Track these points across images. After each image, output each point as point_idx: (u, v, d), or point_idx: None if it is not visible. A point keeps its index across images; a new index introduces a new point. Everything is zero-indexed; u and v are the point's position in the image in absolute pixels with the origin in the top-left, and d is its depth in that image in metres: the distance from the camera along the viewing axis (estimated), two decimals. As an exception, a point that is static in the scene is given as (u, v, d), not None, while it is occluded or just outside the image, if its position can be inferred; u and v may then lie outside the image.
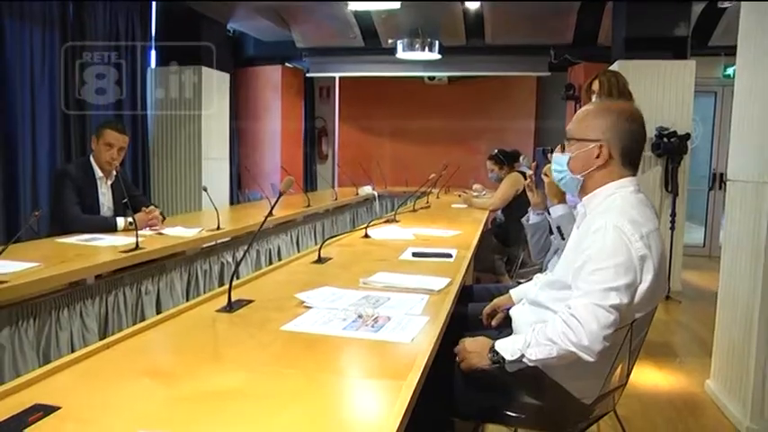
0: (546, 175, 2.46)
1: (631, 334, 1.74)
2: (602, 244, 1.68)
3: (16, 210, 5.21)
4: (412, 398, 1.26)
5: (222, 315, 1.84)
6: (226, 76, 7.12)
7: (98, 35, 6.03)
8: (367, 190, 7.33)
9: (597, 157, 1.82)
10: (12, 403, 1.20)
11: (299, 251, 4.73)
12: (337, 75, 9.16)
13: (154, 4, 6.81)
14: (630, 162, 1.86)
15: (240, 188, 8.11)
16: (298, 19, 7.63)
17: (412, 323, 1.76)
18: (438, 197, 6.42)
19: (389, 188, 7.99)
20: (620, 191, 1.82)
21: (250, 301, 1.96)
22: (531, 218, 2.77)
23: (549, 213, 2.57)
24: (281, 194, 2.08)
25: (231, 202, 7.19)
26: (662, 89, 5.88)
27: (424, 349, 1.53)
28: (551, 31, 7.61)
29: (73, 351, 2.46)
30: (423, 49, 7.49)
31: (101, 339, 2.61)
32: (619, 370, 1.88)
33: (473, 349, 1.84)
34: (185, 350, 1.56)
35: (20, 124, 5.25)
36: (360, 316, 1.82)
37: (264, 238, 4.23)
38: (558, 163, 1.91)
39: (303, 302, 1.94)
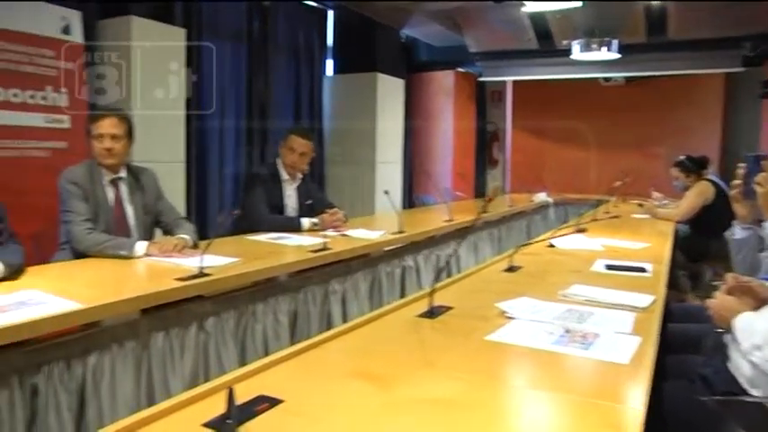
0: (759, 184, 2.19)
1: None
2: None
3: (205, 209, 5.66)
4: (641, 424, 1.16)
5: (424, 321, 1.83)
6: (400, 82, 7.25)
7: (279, 47, 6.40)
8: (542, 197, 7.11)
9: None
10: (238, 392, 1.25)
11: (476, 258, 4.70)
12: (510, 79, 8.98)
13: (330, 14, 7.11)
14: None
15: (412, 192, 8.22)
16: (471, 23, 7.58)
17: (624, 342, 1.64)
18: (616, 206, 6.07)
19: (563, 195, 7.70)
20: None
21: (449, 308, 1.94)
22: (737, 232, 2.47)
23: (762, 228, 2.29)
24: (489, 200, 2.04)
25: (404, 206, 7.29)
26: None
27: (643, 372, 1.42)
28: (747, 19, 6.85)
29: (266, 343, 2.61)
30: (600, 49, 7.11)
31: (291, 333, 2.76)
32: None
33: (725, 308, 1.76)
34: (393, 354, 1.56)
35: (209, 133, 5.70)
36: (567, 331, 1.73)
37: (444, 242, 4.23)
38: None
39: (505, 313, 1.88)
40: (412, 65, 8.30)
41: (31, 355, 1.77)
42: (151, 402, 2.11)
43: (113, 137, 2.83)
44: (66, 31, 4.22)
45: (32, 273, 2.29)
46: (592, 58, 7.26)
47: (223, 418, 1.13)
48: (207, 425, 1.13)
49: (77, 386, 1.89)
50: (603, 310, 1.98)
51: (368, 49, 6.99)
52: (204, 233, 3.07)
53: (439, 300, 1.99)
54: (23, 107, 3.96)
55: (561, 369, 1.50)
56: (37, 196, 3.69)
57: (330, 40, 7.20)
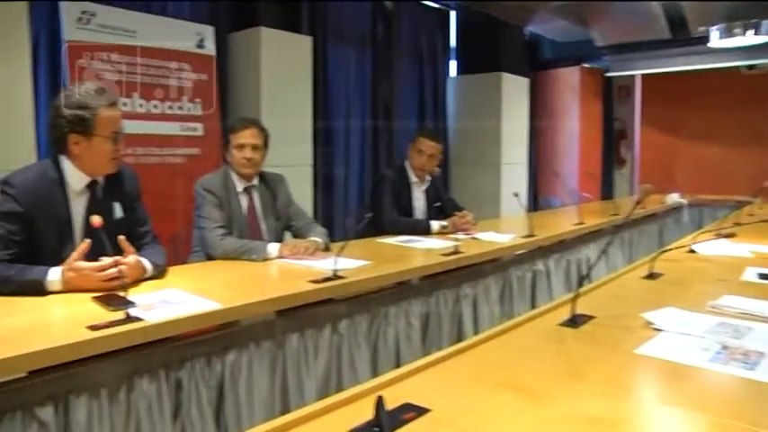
0: None
1: None
2: None
3: (331, 212, 5.78)
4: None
5: (566, 330, 1.74)
6: (524, 81, 7.06)
7: (403, 50, 6.43)
8: (674, 198, 6.63)
9: None
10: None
11: (606, 263, 4.47)
12: (640, 72, 8.47)
13: (453, 14, 7.05)
14: None
15: (537, 193, 7.96)
16: (598, 16, 7.23)
17: (797, 364, 1.47)
18: (761, 207, 5.56)
19: (698, 196, 7.16)
20: None
21: (591, 317, 1.83)
22: None
23: None
24: (638, 203, 1.92)
25: (529, 209, 7.03)
26: None
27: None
28: None
29: (398, 346, 2.60)
30: (744, 33, 6.37)
31: (422, 337, 2.73)
32: None
33: None
34: (539, 365, 1.49)
35: (336, 136, 5.82)
36: (724, 347, 1.58)
37: (574, 247, 4.05)
38: None
39: (651, 324, 1.75)
40: (536, 62, 8.03)
41: (175, 350, 1.86)
42: (285, 400, 2.17)
43: (254, 147, 2.92)
44: (200, 45, 4.47)
45: (172, 273, 2.40)
46: (733, 44, 6.56)
47: (370, 425, 1.11)
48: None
49: (217, 382, 1.96)
50: (763, 325, 1.79)
51: (492, 49, 6.86)
52: (330, 236, 3.11)
53: (580, 307, 1.87)
54: (162, 117, 4.23)
55: (724, 391, 1.36)
56: (172, 200, 3.94)
57: (453, 41, 7.14)
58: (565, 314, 1.82)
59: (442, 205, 3.73)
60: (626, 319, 1.82)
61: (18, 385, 1.54)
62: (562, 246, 3.91)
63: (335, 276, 2.35)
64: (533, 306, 3.45)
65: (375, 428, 1.10)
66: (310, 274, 2.38)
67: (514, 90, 6.88)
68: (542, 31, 7.79)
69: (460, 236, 3.39)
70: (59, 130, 2.17)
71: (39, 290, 1.97)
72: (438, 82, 6.83)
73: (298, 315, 2.23)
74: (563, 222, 4.35)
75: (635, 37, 7.39)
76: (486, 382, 1.37)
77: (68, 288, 2.00)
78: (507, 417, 1.19)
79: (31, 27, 3.60)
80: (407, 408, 1.21)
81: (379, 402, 1.10)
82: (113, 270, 2.00)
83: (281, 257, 2.71)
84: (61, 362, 1.57)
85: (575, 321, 1.77)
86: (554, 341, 1.68)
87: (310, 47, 5.13)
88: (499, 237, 3.46)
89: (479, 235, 3.51)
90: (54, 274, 2.00)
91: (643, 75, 8.62)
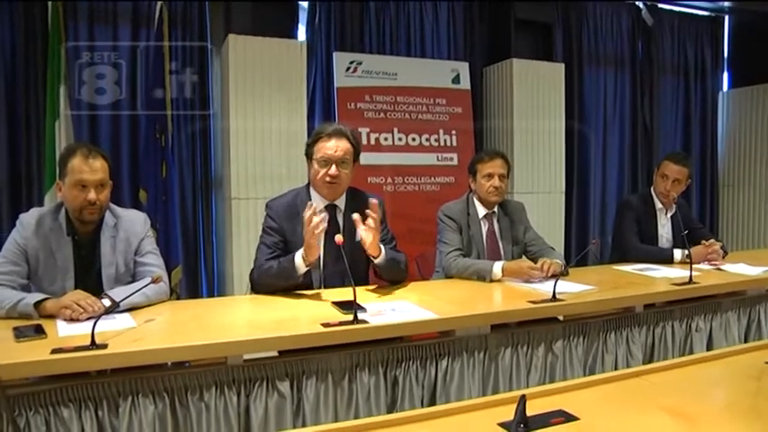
0: None
1: None
2: None
3: (585, 238, 5.71)
4: None
5: (772, 369, 1.63)
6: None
7: (665, 66, 6.15)
8: None
9: None
10: (540, 404, 1.37)
11: None
12: None
13: (726, 21, 6.46)
14: None
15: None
16: None
17: None
18: None
19: None
20: None
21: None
22: None
23: None
24: None
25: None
26: None
27: None
28: None
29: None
30: None
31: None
32: None
33: None
34: (718, 397, 1.45)
35: (591, 160, 5.76)
36: None
37: None
38: None
39: None
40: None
41: (393, 351, 2.14)
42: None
43: (501, 176, 3.16)
44: (455, 80, 4.85)
45: (409, 288, 2.70)
46: None
47: (517, 422, 1.25)
48: (501, 425, 1.28)
49: (429, 384, 2.20)
50: None
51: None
52: (585, 263, 3.14)
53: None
54: (420, 149, 4.70)
55: None
56: (425, 224, 4.32)
57: (726, 52, 6.54)
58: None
59: (690, 233, 3.53)
60: None
61: (267, 362, 1.98)
62: None
63: (554, 299, 2.44)
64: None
65: (521, 425, 1.25)
66: (531, 295, 2.51)
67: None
68: None
69: (704, 266, 3.19)
70: None
71: (291, 274, 2.44)
72: (707, 98, 6.36)
73: (512, 331, 2.38)
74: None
75: None
76: (648, 405, 1.39)
77: (308, 263, 2.43)
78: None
79: (309, 76, 4.34)
80: (559, 413, 1.33)
81: (521, 402, 1.24)
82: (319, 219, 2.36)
83: (506, 277, 2.84)
84: (297, 347, 1.97)
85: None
86: (751, 378, 1.58)
87: (563, 73, 5.21)
88: (749, 269, 3.15)
89: (726, 266, 3.24)
90: (298, 257, 2.44)
91: None
